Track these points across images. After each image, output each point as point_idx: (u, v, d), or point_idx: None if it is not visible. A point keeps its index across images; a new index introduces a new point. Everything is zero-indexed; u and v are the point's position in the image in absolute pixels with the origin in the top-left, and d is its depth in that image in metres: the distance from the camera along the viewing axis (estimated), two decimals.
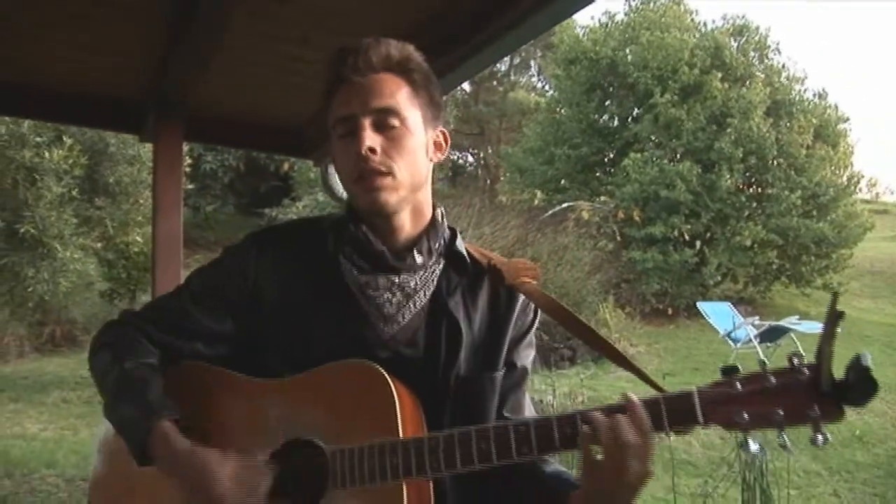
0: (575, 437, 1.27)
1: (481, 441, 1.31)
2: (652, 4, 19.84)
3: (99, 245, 11.65)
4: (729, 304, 13.95)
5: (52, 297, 10.97)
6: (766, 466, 4.40)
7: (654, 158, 17.26)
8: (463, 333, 1.53)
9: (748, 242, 17.01)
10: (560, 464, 1.59)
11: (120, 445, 1.56)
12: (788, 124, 18.02)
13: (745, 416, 1.20)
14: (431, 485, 1.41)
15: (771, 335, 11.69)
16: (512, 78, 30.84)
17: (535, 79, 31.99)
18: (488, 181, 27.64)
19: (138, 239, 12.01)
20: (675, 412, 1.24)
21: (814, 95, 19.46)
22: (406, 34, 2.99)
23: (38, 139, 10.36)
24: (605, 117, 20.09)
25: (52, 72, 3.82)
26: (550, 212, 14.24)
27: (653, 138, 17.97)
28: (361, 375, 1.43)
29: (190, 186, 14.51)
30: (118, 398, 1.53)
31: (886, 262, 22.12)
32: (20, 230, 10.23)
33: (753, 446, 1.20)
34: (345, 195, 1.68)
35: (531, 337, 1.66)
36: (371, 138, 1.47)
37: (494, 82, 29.60)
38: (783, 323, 12.19)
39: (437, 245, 1.59)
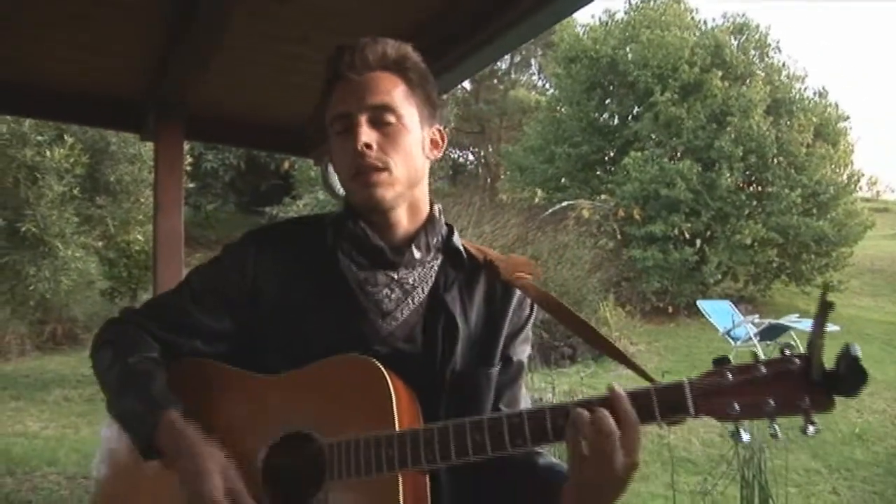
0: None
1: (475, 433, 1.32)
2: (652, 3, 19.83)
3: (100, 244, 11.67)
4: (729, 302, 13.95)
5: (53, 296, 11.00)
6: (764, 464, 4.41)
7: (655, 157, 17.25)
8: (459, 329, 1.54)
9: (748, 241, 16.99)
10: (554, 456, 1.60)
11: (123, 445, 1.58)
12: (788, 123, 18.02)
13: (737, 406, 1.20)
14: (427, 477, 1.42)
15: (771, 333, 11.71)
16: (512, 76, 30.85)
17: (535, 77, 32.03)
18: (489, 179, 27.65)
19: (139, 237, 12.02)
20: (666, 403, 1.25)
21: (814, 94, 19.49)
22: (406, 33, 3.01)
23: (39, 138, 10.38)
24: (606, 116, 20.08)
25: (53, 71, 3.82)
26: (551, 210, 14.25)
27: (653, 137, 17.96)
28: (358, 369, 1.44)
29: (191, 185, 14.51)
30: (122, 392, 1.54)
31: (887, 261, 22.11)
32: (21, 229, 10.26)
33: (745, 436, 1.21)
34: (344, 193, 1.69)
35: (527, 332, 1.67)
36: (367, 134, 1.48)
37: (495, 81, 29.60)
38: (783, 321, 12.20)
39: (434, 241, 1.61)
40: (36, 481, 6.25)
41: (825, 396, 1.17)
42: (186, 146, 4.28)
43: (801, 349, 1.20)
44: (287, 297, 1.58)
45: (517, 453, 1.34)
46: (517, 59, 29.43)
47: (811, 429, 1.17)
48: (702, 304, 13.74)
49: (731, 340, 11.96)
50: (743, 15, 19.72)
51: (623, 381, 1.31)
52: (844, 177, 18.87)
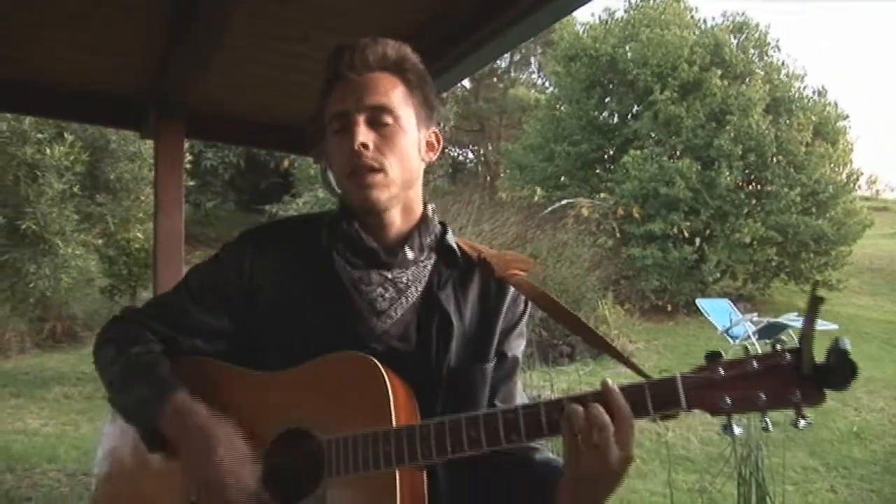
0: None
1: (471, 428, 1.34)
2: (652, 2, 19.81)
3: (100, 241, 11.68)
4: (728, 300, 13.96)
5: (53, 294, 11.01)
6: (761, 461, 4.42)
7: (654, 155, 17.25)
8: (454, 326, 1.56)
9: (747, 239, 17.00)
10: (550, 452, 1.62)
11: (124, 443, 1.60)
12: (788, 121, 18.03)
13: (728, 400, 1.22)
14: (424, 473, 1.43)
15: (769, 332, 11.71)
16: (512, 75, 30.83)
17: (535, 76, 32.03)
18: (488, 178, 27.64)
19: (139, 235, 12.04)
20: (659, 397, 1.26)
21: (813, 93, 19.49)
22: (406, 32, 3.03)
23: (39, 136, 10.40)
24: (605, 114, 20.08)
25: (53, 69, 3.83)
26: (550, 208, 14.25)
27: (652, 135, 17.97)
28: (356, 367, 1.46)
29: (190, 183, 14.52)
30: (127, 383, 1.57)
31: (885, 260, 22.12)
32: (21, 226, 10.28)
33: (737, 430, 1.23)
34: None
35: (522, 327, 1.68)
36: (364, 134, 1.50)
37: (495, 79, 29.59)
38: (781, 320, 12.21)
39: (428, 240, 1.62)
40: (36, 478, 6.26)
41: (815, 390, 1.19)
42: (186, 144, 4.28)
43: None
44: (284, 295, 1.59)
45: (514, 449, 1.36)
46: (517, 57, 29.43)
47: (802, 422, 1.19)
48: (701, 303, 13.76)
49: (729, 339, 11.97)
50: (742, 14, 19.76)
51: (621, 379, 1.32)
52: (843, 175, 18.88)
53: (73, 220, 10.83)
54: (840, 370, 1.15)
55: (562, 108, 20.60)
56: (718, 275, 17.26)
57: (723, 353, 1.26)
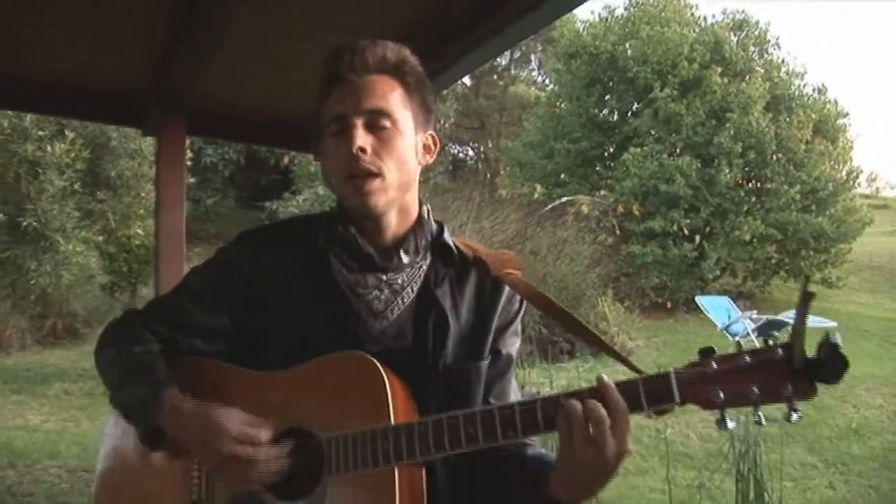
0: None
1: (469, 425, 1.36)
2: None
3: (100, 238, 11.69)
4: (727, 298, 13.99)
5: (54, 290, 11.02)
6: (759, 458, 4.43)
7: (654, 153, 17.26)
8: (450, 322, 1.57)
9: (747, 237, 17.01)
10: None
11: (125, 441, 1.62)
12: (788, 119, 18.04)
13: (721, 394, 1.24)
14: (423, 470, 1.45)
15: (769, 329, 11.72)
16: (512, 72, 30.81)
17: (535, 73, 31.99)
18: (488, 175, 27.61)
19: (139, 232, 12.04)
20: (652, 393, 1.28)
21: (813, 90, 19.50)
22: (407, 30, 3.06)
23: (40, 133, 10.43)
24: (605, 112, 20.09)
25: (55, 66, 3.82)
26: (550, 206, 14.28)
27: (652, 133, 17.98)
28: (355, 365, 1.47)
29: (191, 180, 14.48)
30: (125, 382, 1.59)
31: (885, 257, 22.14)
32: (23, 223, 10.31)
33: (731, 424, 1.25)
34: None
35: (517, 326, 1.69)
36: (362, 138, 1.50)
37: (495, 76, 29.57)
38: (781, 317, 12.23)
39: (423, 242, 1.64)
40: (37, 474, 6.27)
41: (807, 384, 1.20)
42: (187, 141, 4.29)
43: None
44: (283, 296, 1.61)
45: (507, 445, 1.38)
46: (517, 54, 29.42)
47: (794, 416, 1.21)
48: (700, 300, 13.78)
49: (729, 336, 11.99)
50: (742, 11, 19.78)
51: (620, 376, 1.34)
52: (843, 173, 18.89)
53: (74, 217, 10.86)
54: (831, 364, 1.17)
55: (562, 105, 20.59)
56: (718, 272, 17.27)
57: (716, 349, 1.28)
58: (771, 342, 1.25)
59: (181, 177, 4.13)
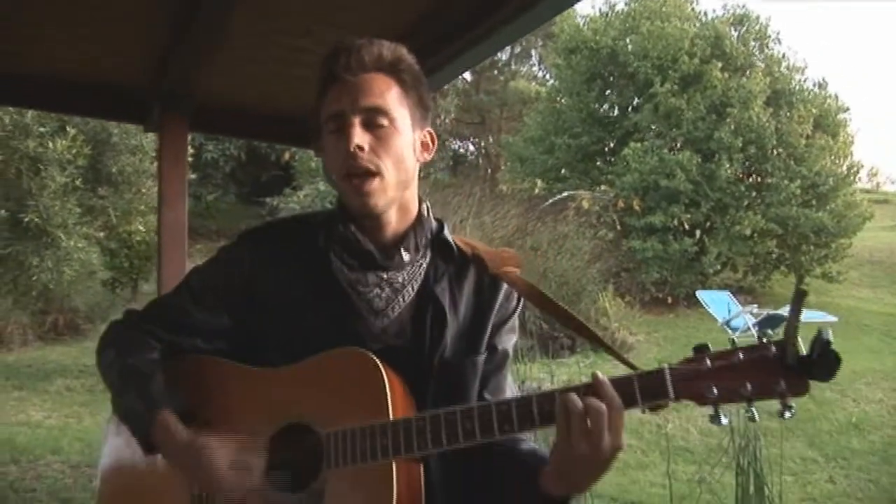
0: (553, 413, 1.33)
1: (466, 420, 1.37)
2: None
3: (101, 234, 11.70)
4: (728, 293, 14.01)
5: (55, 286, 11.03)
6: (759, 452, 4.44)
7: (654, 148, 17.27)
8: (448, 318, 1.59)
9: (748, 232, 17.02)
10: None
11: (127, 439, 1.64)
12: (788, 114, 18.02)
13: (715, 390, 1.26)
14: (421, 466, 1.47)
15: (769, 323, 11.75)
16: (513, 67, 30.79)
17: (535, 68, 31.96)
18: (489, 170, 27.62)
19: (140, 228, 12.06)
20: (647, 388, 1.30)
21: (814, 85, 19.49)
22: (408, 26, 3.08)
23: (41, 129, 10.44)
24: (606, 107, 20.09)
25: (56, 62, 3.82)
26: (550, 201, 14.26)
27: (653, 128, 17.98)
28: (355, 362, 1.49)
29: (191, 176, 14.52)
30: (122, 392, 1.62)
31: (885, 252, 22.14)
32: (24, 219, 10.32)
33: (724, 420, 1.26)
34: None
35: (514, 322, 1.71)
36: (360, 136, 1.51)
37: (495, 71, 29.55)
38: (781, 311, 12.23)
39: (423, 240, 1.65)
40: (40, 470, 6.29)
41: (800, 381, 1.22)
42: (189, 137, 4.29)
43: (799, 338, 1.24)
44: (284, 295, 1.62)
45: (502, 440, 1.40)
46: (517, 49, 29.39)
47: (787, 413, 1.22)
48: (701, 295, 13.80)
49: (729, 331, 12.00)
50: (743, 6, 19.75)
51: (621, 371, 1.36)
52: (844, 168, 18.90)
53: (76, 213, 10.87)
54: (824, 361, 1.18)
55: (562, 100, 20.59)
56: (719, 267, 17.30)
57: (710, 345, 1.30)
58: (765, 339, 1.26)
59: (183, 173, 4.13)
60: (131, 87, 4.10)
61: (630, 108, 19.29)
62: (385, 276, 1.61)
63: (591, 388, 1.32)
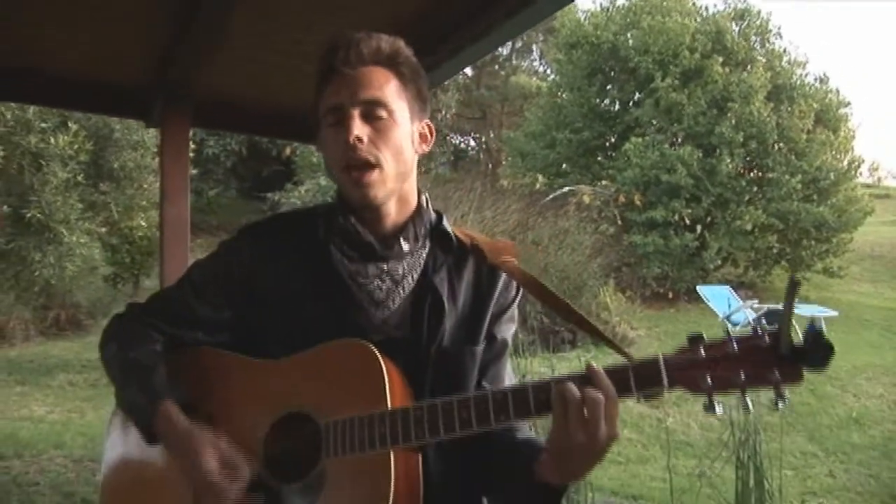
0: (549, 402, 1.35)
1: (462, 410, 1.39)
2: None
3: (103, 230, 11.72)
4: (728, 287, 14.01)
5: (57, 282, 11.06)
6: (759, 446, 4.45)
7: (655, 143, 17.28)
8: (446, 307, 1.60)
9: (748, 227, 17.03)
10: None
11: (129, 431, 1.66)
12: (789, 109, 18.02)
13: (709, 379, 1.27)
14: (420, 456, 1.49)
15: (770, 318, 11.73)
16: (514, 62, 30.80)
17: (536, 63, 31.98)
18: (490, 165, 27.65)
19: (142, 223, 12.09)
20: (642, 377, 1.31)
21: (815, 80, 19.50)
22: (408, 23, 3.08)
23: (43, 125, 10.44)
24: (607, 102, 20.10)
25: (58, 58, 3.82)
26: (551, 196, 14.28)
27: (654, 123, 17.98)
28: (354, 353, 1.50)
29: (193, 171, 14.51)
30: (125, 384, 1.64)
31: (887, 247, 22.15)
32: (26, 215, 10.34)
33: (719, 408, 1.27)
34: None
35: (512, 312, 1.72)
36: (359, 128, 1.53)
37: (496, 66, 29.55)
38: (782, 306, 12.24)
39: (422, 231, 1.66)
40: (43, 464, 6.30)
41: (794, 369, 1.23)
42: (190, 132, 4.30)
43: (799, 333, 1.26)
44: (284, 288, 1.63)
45: (498, 430, 1.42)
46: (518, 44, 29.39)
47: (781, 403, 1.24)
48: (701, 290, 13.81)
49: (730, 325, 12.01)
50: (744, 1, 19.72)
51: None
52: (845, 163, 18.89)
53: (78, 209, 10.89)
54: (817, 350, 1.20)
55: (563, 95, 20.61)
56: (719, 262, 17.31)
57: (705, 335, 1.31)
58: (759, 329, 1.28)
59: (185, 168, 4.13)
60: (133, 84, 4.10)
61: (631, 103, 19.31)
62: (385, 268, 1.62)
63: (587, 378, 1.33)
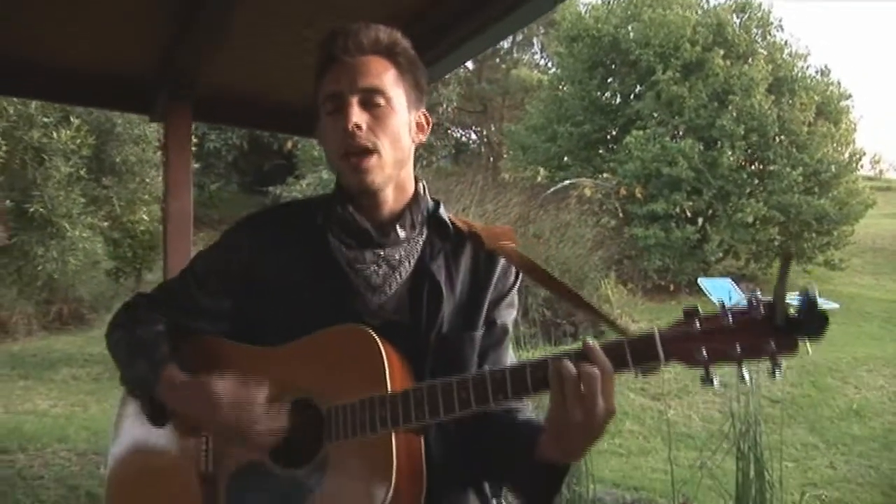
0: (546, 380, 1.37)
1: (461, 390, 1.41)
2: None
3: (105, 224, 11.74)
4: (729, 280, 14.00)
5: (60, 276, 11.08)
6: (759, 437, 4.47)
7: (656, 136, 17.27)
8: (444, 294, 1.63)
9: (750, 219, 17.02)
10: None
11: (135, 422, 1.70)
12: (790, 101, 18.00)
13: (705, 352, 1.29)
14: (421, 438, 1.51)
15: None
16: (515, 55, 30.74)
17: (537, 56, 31.91)
18: (491, 158, 27.60)
19: (144, 218, 12.11)
20: (638, 352, 1.33)
21: (816, 72, 19.47)
22: (408, 16, 3.10)
23: (45, 120, 10.47)
24: (608, 94, 20.06)
25: (61, 53, 3.82)
26: (553, 189, 14.27)
27: (655, 115, 17.94)
28: (354, 338, 1.52)
29: (194, 165, 14.50)
30: (130, 360, 1.68)
31: (888, 239, 22.12)
32: (29, 210, 10.37)
33: (716, 381, 1.28)
34: None
35: (512, 297, 1.74)
36: (357, 115, 1.56)
37: (497, 60, 29.50)
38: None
39: (419, 218, 1.69)
40: (47, 457, 6.33)
41: (789, 339, 1.25)
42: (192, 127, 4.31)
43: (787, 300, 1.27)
44: (284, 278, 1.66)
45: (498, 410, 1.46)
46: (519, 37, 29.33)
47: (777, 373, 1.24)
48: (703, 282, 13.79)
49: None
50: None
51: None
52: (846, 155, 18.87)
53: (80, 203, 10.92)
54: (812, 320, 1.21)
55: (564, 88, 20.58)
56: (721, 254, 17.31)
57: (700, 308, 1.33)
58: (754, 301, 1.29)
59: (188, 162, 4.15)
60: (136, 78, 4.11)
61: (632, 96, 19.28)
62: (382, 254, 1.65)
63: (583, 354, 1.35)
